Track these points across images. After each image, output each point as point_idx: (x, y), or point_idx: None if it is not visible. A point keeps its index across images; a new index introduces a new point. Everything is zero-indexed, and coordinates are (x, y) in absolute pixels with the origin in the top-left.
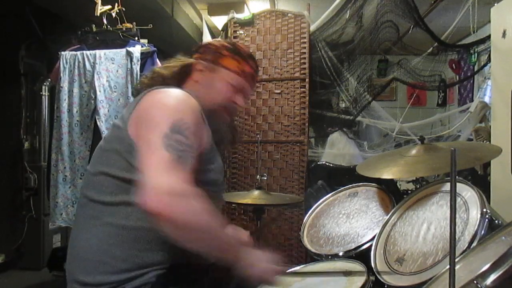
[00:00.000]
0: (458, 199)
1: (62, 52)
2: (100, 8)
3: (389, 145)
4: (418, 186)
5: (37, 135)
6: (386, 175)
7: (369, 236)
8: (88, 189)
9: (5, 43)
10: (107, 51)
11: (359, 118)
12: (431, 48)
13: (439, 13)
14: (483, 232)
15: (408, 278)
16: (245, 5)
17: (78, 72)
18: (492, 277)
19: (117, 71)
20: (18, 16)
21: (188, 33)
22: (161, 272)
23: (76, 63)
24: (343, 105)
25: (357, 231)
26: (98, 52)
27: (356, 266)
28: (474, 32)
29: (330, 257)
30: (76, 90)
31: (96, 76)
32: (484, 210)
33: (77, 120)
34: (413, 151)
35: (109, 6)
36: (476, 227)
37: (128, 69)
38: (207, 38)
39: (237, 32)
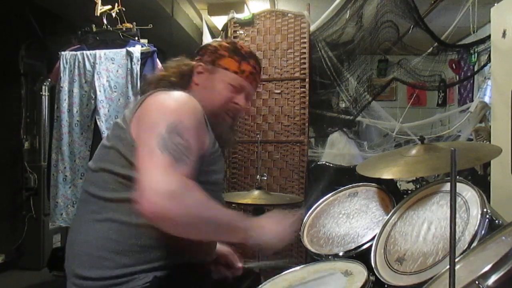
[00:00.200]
0: (459, 199)
1: (62, 52)
2: (100, 8)
3: (389, 145)
4: (418, 186)
5: (37, 135)
6: (386, 175)
7: (369, 236)
8: (90, 185)
9: (5, 43)
10: (107, 51)
11: (359, 118)
12: (431, 48)
13: (439, 13)
14: (483, 232)
15: (408, 278)
16: (245, 5)
17: (78, 72)
18: (494, 278)
19: (117, 71)
20: (18, 16)
21: (188, 33)
22: (162, 268)
23: (76, 63)
24: (343, 105)
25: (357, 231)
26: (98, 52)
27: (356, 266)
28: (474, 32)
29: (330, 257)
30: (76, 90)
31: (96, 76)
32: (485, 210)
33: (77, 120)
34: (413, 151)
35: (109, 6)
36: (476, 227)
37: (128, 69)
38: (207, 38)
39: (237, 32)
